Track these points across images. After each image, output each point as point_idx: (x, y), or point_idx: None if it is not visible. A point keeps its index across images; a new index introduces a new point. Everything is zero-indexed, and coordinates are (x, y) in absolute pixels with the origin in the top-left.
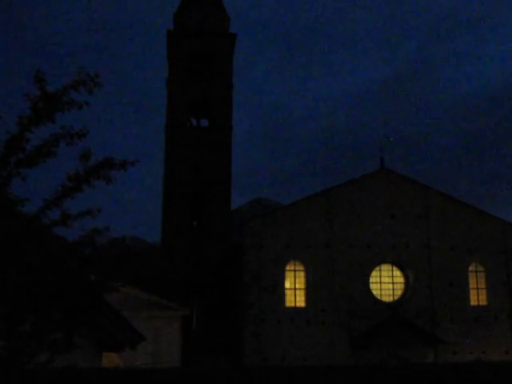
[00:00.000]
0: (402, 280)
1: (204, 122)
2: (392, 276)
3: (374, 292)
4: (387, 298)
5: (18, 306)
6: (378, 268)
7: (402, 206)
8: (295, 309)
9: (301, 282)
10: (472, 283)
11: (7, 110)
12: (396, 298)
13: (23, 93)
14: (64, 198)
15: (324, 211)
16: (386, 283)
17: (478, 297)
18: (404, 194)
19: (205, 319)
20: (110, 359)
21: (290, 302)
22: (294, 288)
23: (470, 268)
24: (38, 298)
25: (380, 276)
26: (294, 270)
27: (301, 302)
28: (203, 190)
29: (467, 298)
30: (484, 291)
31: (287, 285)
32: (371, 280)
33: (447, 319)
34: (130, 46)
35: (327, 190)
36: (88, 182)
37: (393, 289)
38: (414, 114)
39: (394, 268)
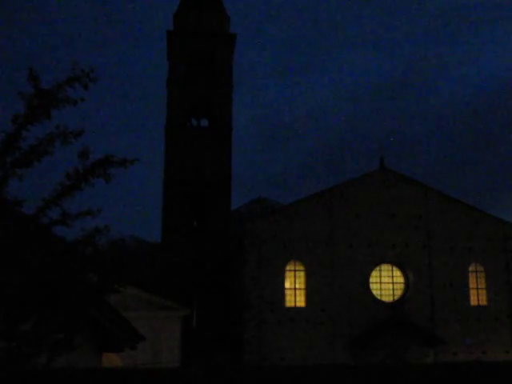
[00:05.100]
0: (402, 280)
1: (204, 122)
2: (392, 276)
3: (374, 292)
4: (387, 298)
5: (18, 307)
6: (377, 268)
7: (401, 205)
8: (295, 309)
9: (301, 282)
10: (472, 283)
11: (3, 110)
12: (396, 297)
13: (18, 91)
14: (63, 196)
15: (324, 211)
16: (386, 283)
17: (478, 297)
18: (404, 193)
19: (205, 319)
20: (110, 359)
21: (289, 302)
22: (294, 288)
23: (470, 268)
24: (38, 298)
25: (380, 276)
26: (294, 270)
27: (301, 302)
28: (203, 190)
29: (467, 298)
30: (484, 291)
31: (287, 285)
32: (371, 280)
33: (447, 319)
34: (130, 46)
35: (327, 190)
36: (87, 179)
37: (393, 289)
38: (414, 114)
39: (394, 268)
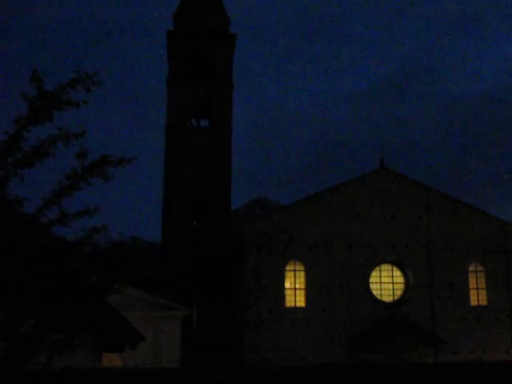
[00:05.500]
0: (402, 280)
1: (204, 122)
2: (392, 276)
3: (374, 292)
4: (387, 298)
5: (18, 307)
6: (377, 268)
7: (402, 205)
8: (295, 309)
9: (301, 282)
10: (472, 283)
11: (5, 110)
12: (396, 298)
13: (21, 92)
14: (62, 196)
15: (324, 211)
16: (386, 283)
17: (478, 297)
18: (404, 193)
19: (205, 319)
20: (110, 359)
21: (289, 302)
22: (294, 288)
23: (470, 268)
24: (38, 298)
25: (380, 276)
26: (294, 270)
27: (301, 301)
28: (203, 190)
29: (467, 298)
30: (484, 291)
31: (287, 285)
32: (371, 280)
33: (447, 319)
34: (130, 46)
35: (327, 190)
36: (85, 179)
37: (393, 289)
38: (414, 114)
39: (394, 268)
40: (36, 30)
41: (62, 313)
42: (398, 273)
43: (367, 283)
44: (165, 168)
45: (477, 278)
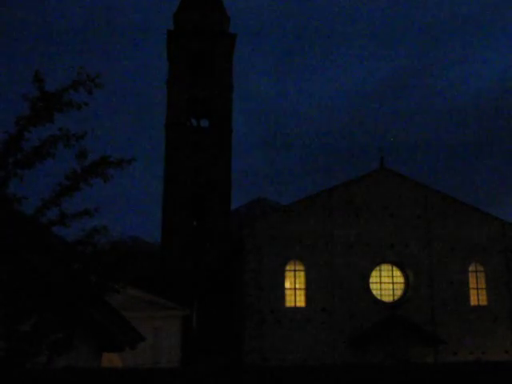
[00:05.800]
0: (402, 280)
1: (204, 122)
2: (392, 276)
3: (374, 292)
4: (387, 298)
5: (18, 307)
6: (377, 268)
7: (401, 205)
8: (295, 309)
9: (301, 282)
10: (472, 283)
11: (6, 110)
12: (396, 298)
13: (22, 93)
14: (62, 196)
15: (324, 211)
16: (386, 283)
17: (478, 297)
18: (404, 193)
19: (205, 319)
20: (110, 359)
21: (289, 302)
22: (294, 288)
23: (470, 268)
24: (38, 298)
25: (380, 276)
26: (294, 270)
27: (301, 301)
28: (203, 190)
29: (467, 298)
30: (484, 291)
31: (287, 285)
32: (371, 280)
33: (447, 319)
34: (130, 46)
35: (327, 190)
36: (85, 180)
37: (393, 289)
38: (414, 114)
39: (394, 268)
40: (37, 30)
41: (62, 312)
42: (397, 273)
43: (367, 283)
44: (165, 168)
45: (477, 278)
